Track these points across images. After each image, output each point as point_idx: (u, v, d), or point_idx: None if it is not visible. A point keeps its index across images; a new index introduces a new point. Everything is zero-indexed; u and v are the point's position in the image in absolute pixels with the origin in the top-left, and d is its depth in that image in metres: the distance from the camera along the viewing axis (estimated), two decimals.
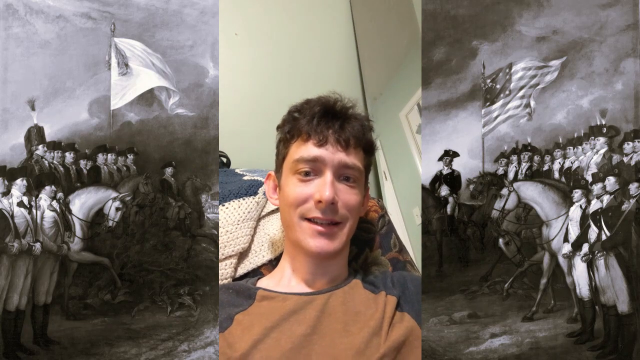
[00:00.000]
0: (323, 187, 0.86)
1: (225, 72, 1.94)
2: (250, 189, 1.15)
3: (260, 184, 1.17)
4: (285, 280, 0.95)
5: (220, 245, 1.04)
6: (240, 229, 1.07)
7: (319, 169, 0.89)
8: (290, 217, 0.91)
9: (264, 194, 1.13)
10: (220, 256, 1.04)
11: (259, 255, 1.06)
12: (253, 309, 0.88)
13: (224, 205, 1.11)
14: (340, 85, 2.32)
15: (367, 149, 0.95)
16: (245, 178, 1.21)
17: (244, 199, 1.12)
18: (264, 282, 0.98)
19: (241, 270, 1.05)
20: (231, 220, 1.08)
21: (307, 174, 0.89)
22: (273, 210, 1.15)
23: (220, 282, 1.03)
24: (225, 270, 1.03)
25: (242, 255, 1.06)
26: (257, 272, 1.05)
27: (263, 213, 1.14)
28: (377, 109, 2.29)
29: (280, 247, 1.06)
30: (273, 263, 1.06)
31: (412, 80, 2.00)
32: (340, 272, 0.96)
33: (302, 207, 0.89)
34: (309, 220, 0.89)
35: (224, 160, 1.79)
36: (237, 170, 1.33)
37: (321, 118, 0.89)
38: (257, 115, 2.02)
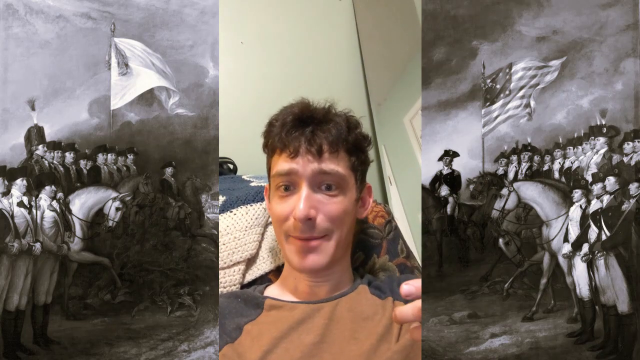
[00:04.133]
0: (297, 203, 0.83)
1: (231, 79, 1.96)
2: (258, 195, 1.15)
3: None
4: (292, 288, 0.95)
5: (228, 252, 1.03)
6: (247, 235, 1.06)
7: (295, 182, 0.85)
8: (278, 234, 0.90)
9: None
10: (229, 262, 1.03)
11: (266, 262, 1.06)
12: (262, 319, 0.87)
13: (231, 212, 1.10)
14: (344, 91, 2.35)
15: (352, 149, 0.88)
16: (252, 184, 1.20)
17: (251, 205, 1.11)
18: (270, 291, 0.97)
19: (249, 277, 1.04)
20: (239, 226, 1.08)
21: (286, 188, 0.86)
22: None
23: (228, 288, 1.02)
24: (233, 277, 1.03)
25: (250, 261, 1.05)
26: (265, 279, 1.05)
27: (270, 219, 1.13)
28: (382, 115, 2.31)
29: None
30: (281, 270, 1.06)
31: (415, 86, 2.01)
32: (343, 278, 0.96)
33: (284, 224, 0.86)
34: (294, 237, 0.86)
35: (231, 166, 1.79)
36: (244, 177, 1.32)
37: (292, 128, 0.86)
38: (263, 122, 2.02)
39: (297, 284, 0.94)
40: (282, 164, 0.86)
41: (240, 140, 1.89)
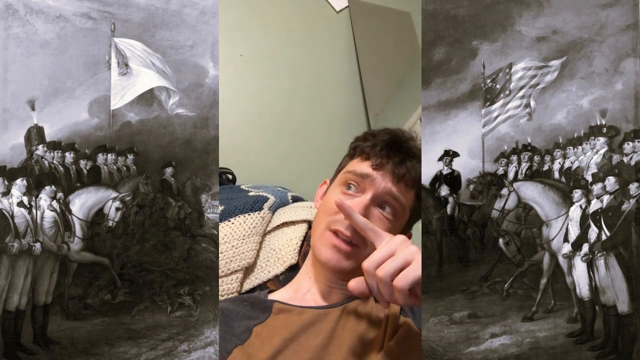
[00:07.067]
0: (357, 205, 0.89)
1: (230, 90, 1.98)
2: (256, 204, 1.16)
3: (265, 199, 1.17)
4: (301, 294, 0.97)
5: (226, 260, 1.04)
6: (245, 244, 1.07)
7: (363, 187, 0.92)
8: (319, 224, 0.94)
9: (269, 209, 1.15)
10: (227, 271, 1.04)
11: (264, 271, 1.07)
12: (270, 322, 0.90)
13: (229, 221, 1.11)
14: (342, 102, 2.38)
15: (419, 194, 0.96)
16: (250, 194, 1.21)
17: (249, 215, 1.13)
18: (278, 295, 0.98)
19: (247, 285, 1.05)
20: (237, 235, 1.09)
21: (350, 187, 0.93)
22: (278, 226, 1.15)
23: (227, 297, 1.03)
24: (231, 285, 1.04)
25: (248, 270, 1.07)
26: (263, 287, 1.06)
27: (268, 228, 1.14)
28: (380, 125, 2.31)
29: (285, 262, 1.07)
30: (279, 278, 1.06)
31: (413, 96, 2.02)
32: None
33: (332, 217, 0.92)
34: (333, 232, 0.90)
35: (230, 176, 1.81)
36: (243, 187, 1.33)
37: (385, 146, 0.94)
38: (262, 133, 2.05)
39: (310, 287, 0.96)
40: (364, 167, 0.93)
41: (239, 151, 1.91)
